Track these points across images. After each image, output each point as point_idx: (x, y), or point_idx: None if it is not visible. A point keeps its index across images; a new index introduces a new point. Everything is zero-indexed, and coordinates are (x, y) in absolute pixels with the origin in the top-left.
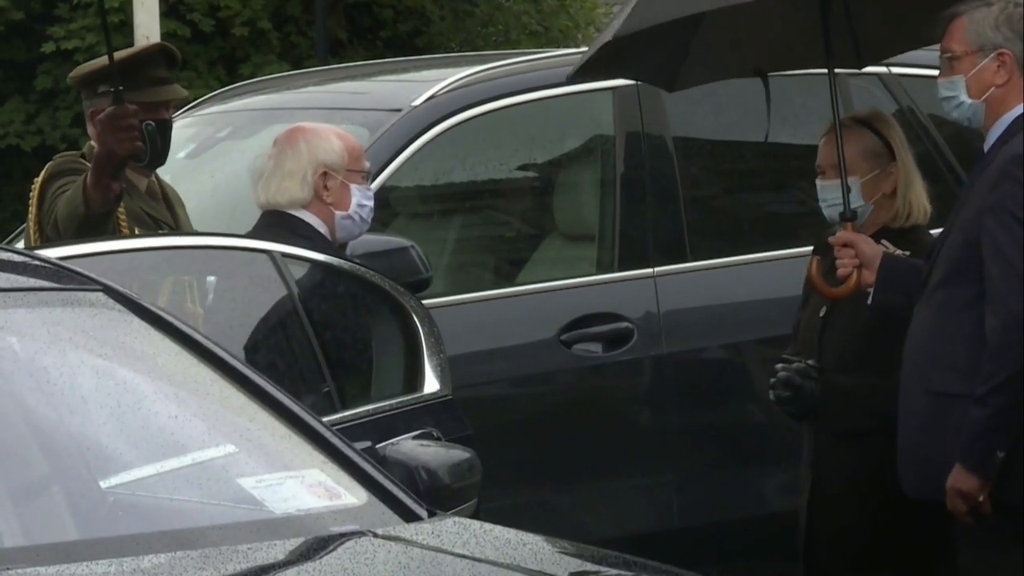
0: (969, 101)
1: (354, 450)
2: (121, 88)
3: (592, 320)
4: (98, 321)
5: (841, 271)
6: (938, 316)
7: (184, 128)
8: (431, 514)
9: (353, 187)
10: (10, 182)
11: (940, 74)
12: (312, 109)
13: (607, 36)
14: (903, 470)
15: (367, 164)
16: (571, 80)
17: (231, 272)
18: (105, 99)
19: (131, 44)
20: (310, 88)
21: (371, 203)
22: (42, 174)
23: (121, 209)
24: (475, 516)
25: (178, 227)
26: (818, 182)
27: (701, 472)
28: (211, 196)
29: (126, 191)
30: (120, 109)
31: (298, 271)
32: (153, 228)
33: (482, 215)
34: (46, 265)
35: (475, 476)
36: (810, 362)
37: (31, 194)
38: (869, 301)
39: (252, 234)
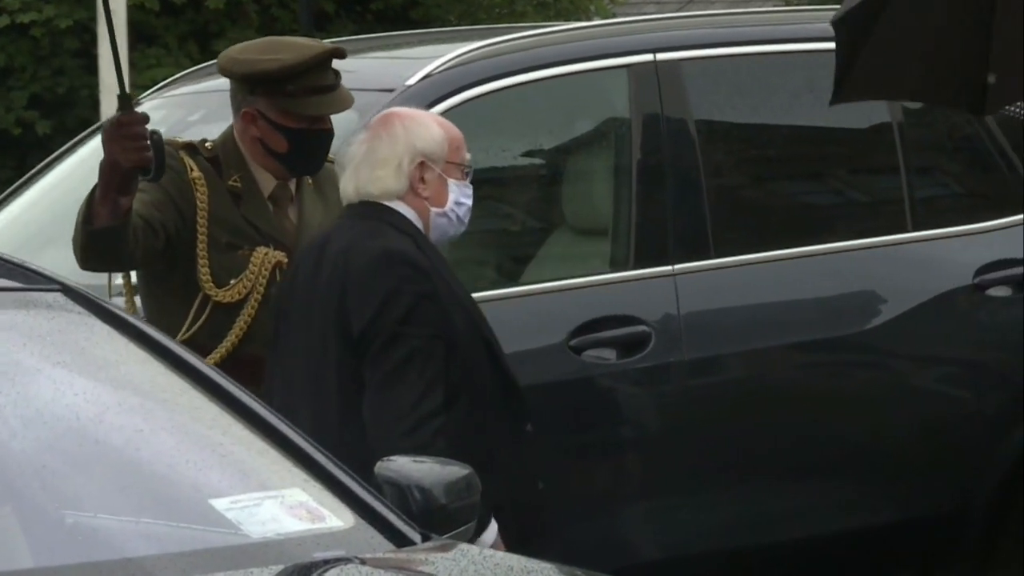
0: None
1: (340, 467)
2: (128, 94)
3: (605, 323)
4: (56, 324)
5: None
6: None
7: (152, 111)
8: (425, 538)
9: (451, 182)
10: None
11: None
12: None
13: None
14: None
15: (468, 156)
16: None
17: None
18: (263, 100)
19: (93, 16)
20: None
21: (470, 202)
22: None
23: (203, 219)
24: (474, 539)
25: (299, 238)
26: None
27: (725, 491)
28: None
29: (239, 195)
30: (127, 116)
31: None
32: (254, 240)
33: (483, 207)
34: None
35: (474, 495)
36: None
37: None
38: None
39: (340, 228)
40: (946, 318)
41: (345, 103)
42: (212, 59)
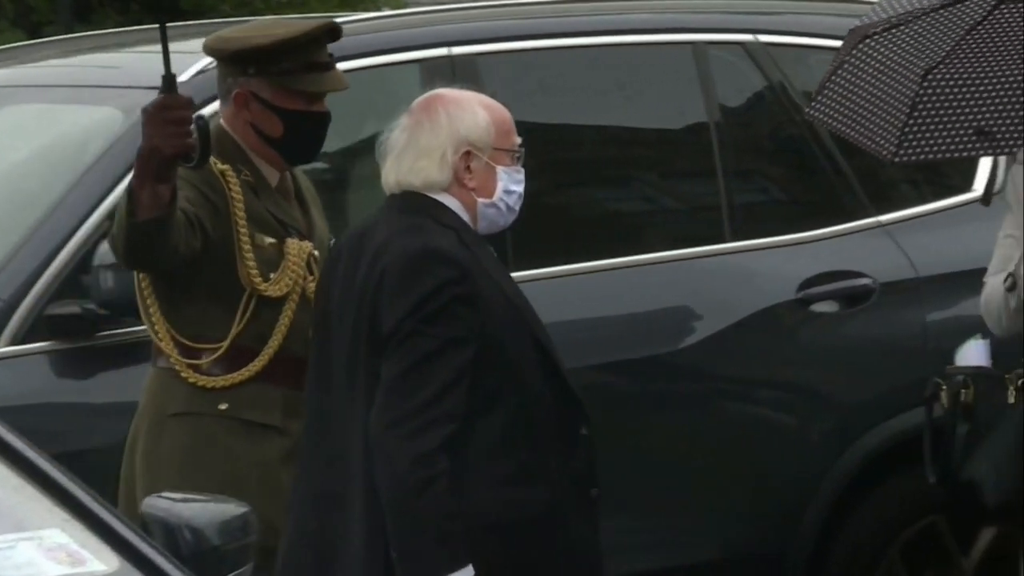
0: None
1: (104, 506)
2: (173, 75)
3: None
4: None
5: None
6: None
7: None
8: None
9: (500, 169)
10: None
11: None
12: (54, 87)
13: None
14: None
15: (518, 140)
16: None
17: None
18: (256, 80)
19: None
20: (51, 61)
21: (520, 188)
22: None
23: (240, 211)
24: None
25: (311, 231)
26: None
27: None
28: None
29: (254, 188)
30: (170, 99)
31: None
32: (279, 232)
33: None
34: None
35: (250, 535)
36: None
37: None
38: None
39: (379, 221)
40: (767, 335)
41: (342, 82)
42: None
